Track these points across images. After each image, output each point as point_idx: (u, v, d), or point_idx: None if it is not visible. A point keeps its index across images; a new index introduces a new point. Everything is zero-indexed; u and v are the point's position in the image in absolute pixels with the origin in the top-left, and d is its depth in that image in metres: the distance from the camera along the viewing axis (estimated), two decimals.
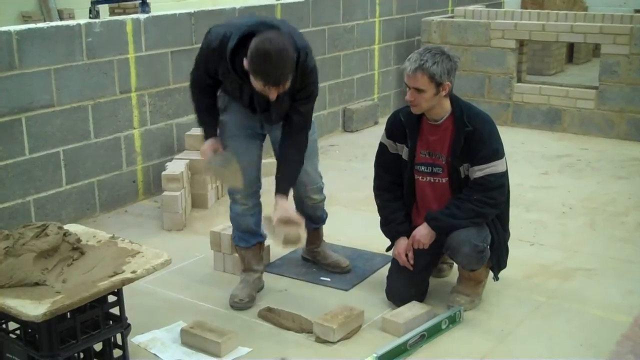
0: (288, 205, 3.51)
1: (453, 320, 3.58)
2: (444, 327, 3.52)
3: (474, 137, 3.48)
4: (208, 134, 3.66)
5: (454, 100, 3.56)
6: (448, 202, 3.58)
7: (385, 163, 3.77)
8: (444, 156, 3.57)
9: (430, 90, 3.42)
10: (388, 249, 3.90)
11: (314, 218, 4.05)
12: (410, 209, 3.78)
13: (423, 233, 3.59)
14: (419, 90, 3.43)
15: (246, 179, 3.61)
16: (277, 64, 3.13)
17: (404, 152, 3.67)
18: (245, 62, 3.23)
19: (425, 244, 3.60)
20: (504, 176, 3.54)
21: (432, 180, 3.65)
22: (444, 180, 3.63)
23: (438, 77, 3.38)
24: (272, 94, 3.25)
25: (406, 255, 3.70)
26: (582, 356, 3.32)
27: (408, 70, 3.42)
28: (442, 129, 3.56)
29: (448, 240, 3.56)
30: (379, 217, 3.86)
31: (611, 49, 6.96)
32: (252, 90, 3.38)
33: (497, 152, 3.51)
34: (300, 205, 3.94)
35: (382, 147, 3.77)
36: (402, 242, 3.73)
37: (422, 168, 3.65)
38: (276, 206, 3.45)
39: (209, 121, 3.68)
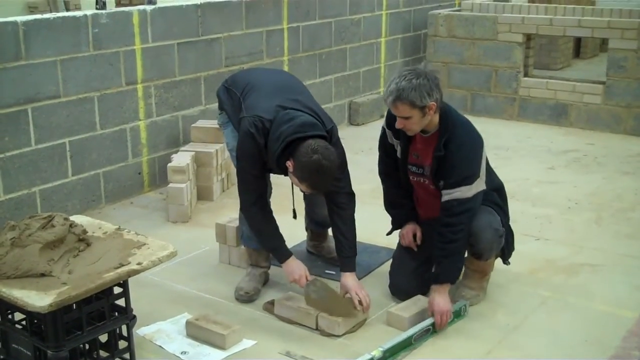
0: (358, 284, 3.61)
1: (458, 315, 3.58)
2: (449, 321, 3.52)
3: (446, 163, 3.44)
4: (285, 256, 3.64)
5: (443, 117, 3.48)
6: (435, 256, 3.55)
7: (387, 148, 3.79)
8: (428, 167, 3.57)
9: (416, 114, 3.38)
10: (388, 234, 3.97)
11: (323, 223, 4.07)
12: (412, 195, 3.83)
13: (444, 302, 3.48)
14: (405, 118, 3.40)
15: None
16: (326, 177, 3.32)
17: (398, 150, 3.67)
18: (290, 164, 3.34)
19: (449, 310, 3.50)
20: (469, 202, 3.44)
21: (421, 181, 3.66)
22: (432, 187, 3.62)
23: (418, 101, 3.32)
24: (308, 192, 3.50)
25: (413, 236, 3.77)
26: (587, 352, 3.32)
27: (388, 101, 3.39)
28: (428, 142, 3.54)
29: None
30: (384, 199, 3.91)
31: (619, 43, 6.94)
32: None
33: (465, 179, 3.43)
34: (318, 209, 3.99)
35: (383, 131, 3.78)
36: (410, 225, 3.80)
37: (414, 169, 3.66)
38: (346, 285, 3.59)
39: (280, 242, 3.66)
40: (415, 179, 3.68)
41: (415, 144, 3.60)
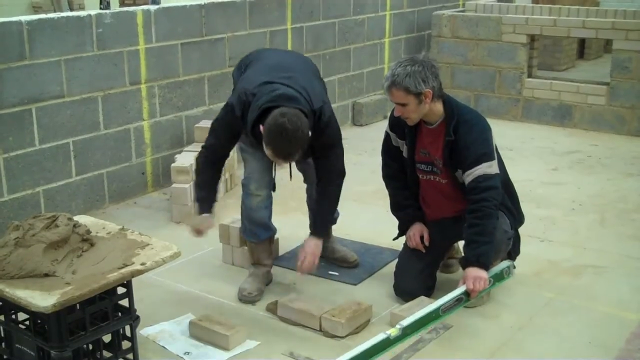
0: (317, 249, 3.67)
1: (500, 278, 3.47)
2: (487, 286, 3.41)
3: (458, 146, 3.45)
4: (202, 210, 3.64)
5: (447, 104, 3.51)
6: (468, 235, 3.44)
7: (391, 152, 3.80)
8: (440, 160, 3.56)
9: (412, 102, 3.39)
10: (395, 239, 3.95)
11: None
12: (417, 197, 3.82)
13: (478, 271, 3.37)
14: (401, 104, 3.42)
15: (260, 170, 3.73)
16: (289, 142, 3.29)
17: (405, 150, 3.67)
18: (262, 129, 3.35)
19: (485, 277, 3.38)
20: (494, 178, 3.44)
21: (432, 179, 3.65)
22: (443, 181, 3.62)
23: (413, 88, 3.35)
24: (279, 164, 3.47)
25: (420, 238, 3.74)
26: (591, 353, 3.31)
27: (384, 88, 3.44)
28: (436, 133, 3.54)
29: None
30: (390, 203, 3.89)
31: (623, 44, 6.93)
32: None
33: (483, 156, 3.44)
34: None
35: (387, 135, 3.79)
36: (417, 226, 3.77)
37: (423, 166, 3.66)
38: (303, 245, 3.69)
39: (208, 197, 3.66)
40: (424, 177, 3.67)
41: (422, 140, 3.59)
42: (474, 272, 3.37)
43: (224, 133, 3.61)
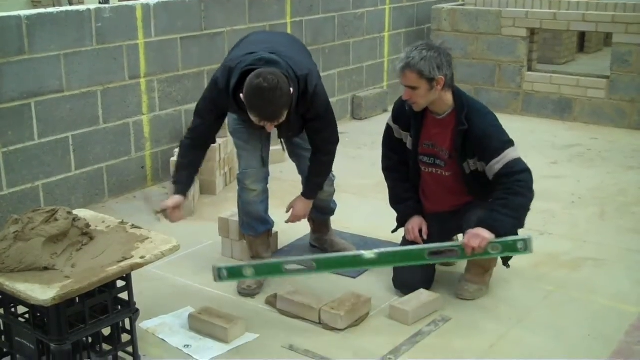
0: (303, 210, 3.85)
1: (511, 248, 3.28)
2: (492, 251, 3.29)
3: (472, 135, 3.43)
4: (177, 191, 3.59)
5: (457, 95, 3.51)
6: (490, 205, 3.37)
7: (392, 144, 3.79)
8: (447, 151, 3.55)
9: (423, 86, 3.39)
10: (394, 231, 3.94)
11: (324, 209, 4.07)
12: (417, 190, 3.81)
13: (483, 231, 3.27)
14: (412, 88, 3.41)
15: (255, 165, 3.72)
16: (271, 100, 3.23)
17: (408, 141, 3.67)
18: (242, 96, 3.31)
19: (486, 238, 3.27)
20: (523, 162, 3.46)
21: (434, 172, 3.65)
22: (446, 174, 3.61)
23: (427, 72, 3.35)
24: (268, 128, 3.39)
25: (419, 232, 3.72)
26: (590, 346, 3.32)
27: (397, 69, 3.42)
28: (445, 123, 3.54)
29: (468, 221, 3.53)
30: (390, 195, 3.88)
31: (623, 38, 6.92)
32: None
33: (507, 143, 3.46)
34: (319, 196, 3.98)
35: (388, 128, 3.78)
36: (416, 219, 3.75)
37: (425, 159, 3.65)
38: (293, 202, 3.86)
39: (186, 181, 3.63)
40: (427, 169, 3.67)
41: (428, 132, 3.59)
42: (478, 230, 3.28)
43: (209, 112, 3.56)
